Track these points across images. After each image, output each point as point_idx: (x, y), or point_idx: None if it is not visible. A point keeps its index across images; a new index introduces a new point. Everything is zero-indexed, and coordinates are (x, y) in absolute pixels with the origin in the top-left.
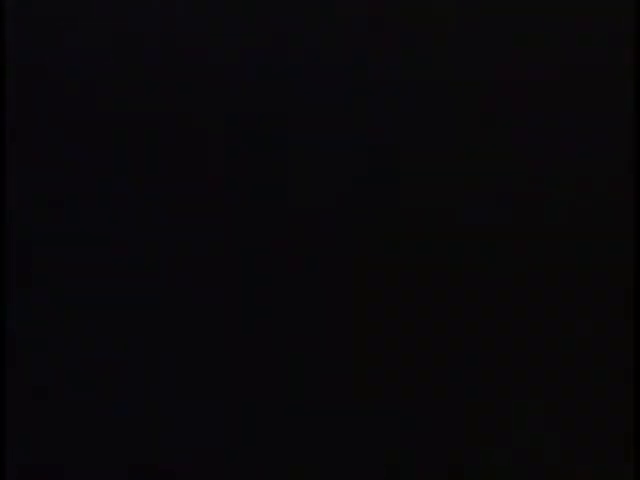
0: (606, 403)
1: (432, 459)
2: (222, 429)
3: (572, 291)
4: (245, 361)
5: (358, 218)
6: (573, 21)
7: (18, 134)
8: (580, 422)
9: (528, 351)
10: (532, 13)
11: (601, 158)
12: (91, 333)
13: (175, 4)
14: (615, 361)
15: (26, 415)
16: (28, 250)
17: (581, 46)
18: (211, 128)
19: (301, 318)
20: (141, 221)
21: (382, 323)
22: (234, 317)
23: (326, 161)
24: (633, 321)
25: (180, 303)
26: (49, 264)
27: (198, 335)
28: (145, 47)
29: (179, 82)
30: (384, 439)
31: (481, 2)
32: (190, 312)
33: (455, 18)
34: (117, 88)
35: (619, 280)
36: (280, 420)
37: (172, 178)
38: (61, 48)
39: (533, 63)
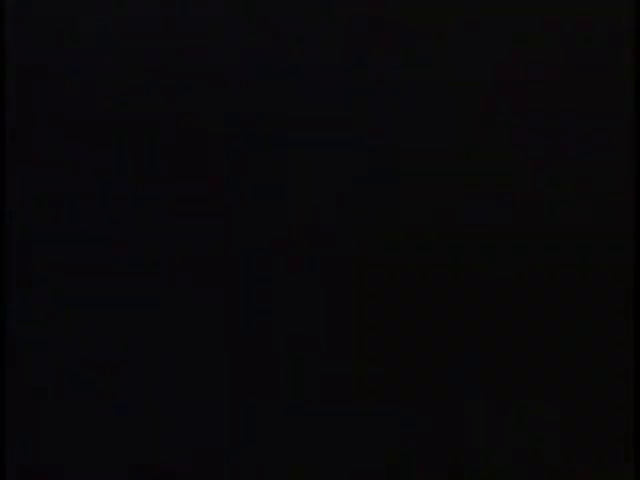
0: (606, 403)
1: (432, 459)
2: (222, 429)
3: (572, 291)
4: (245, 361)
5: (358, 218)
6: (573, 21)
7: (18, 134)
8: (580, 422)
9: (528, 351)
10: (532, 13)
11: (601, 158)
12: (91, 333)
13: (175, 4)
14: (615, 361)
15: (26, 415)
16: (28, 250)
17: (581, 46)
18: (211, 128)
19: (301, 318)
20: (141, 221)
21: (382, 323)
22: (234, 317)
23: (326, 161)
24: (633, 321)
25: (180, 303)
26: (49, 264)
27: (198, 335)
28: (145, 47)
29: (179, 82)
30: (384, 439)
31: (481, 2)
32: (190, 312)
33: (455, 18)
34: (117, 88)
35: (619, 280)
36: (280, 420)
37: (172, 178)
38: (61, 48)
39: (533, 63)
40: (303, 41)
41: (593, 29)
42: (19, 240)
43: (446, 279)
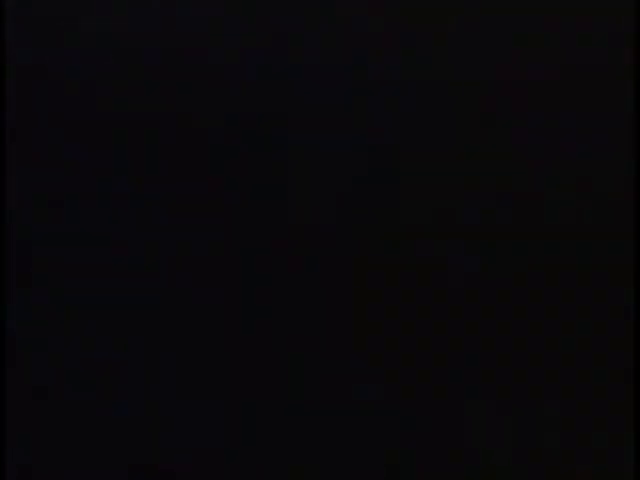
0: (606, 403)
1: (432, 459)
2: (222, 429)
3: (572, 291)
4: (245, 361)
5: (358, 218)
6: (573, 21)
7: (18, 134)
8: (580, 422)
9: (528, 351)
10: (532, 13)
11: (601, 158)
12: (91, 333)
13: (175, 4)
14: (615, 361)
15: (26, 415)
16: (28, 250)
17: (581, 46)
18: (211, 128)
19: (301, 318)
20: (141, 221)
21: (382, 323)
22: (234, 317)
23: (326, 161)
24: (633, 321)
25: (180, 303)
26: (49, 264)
27: (198, 335)
28: (145, 47)
29: (179, 82)
30: (384, 439)
31: (481, 2)
32: (190, 312)
33: (455, 18)
34: (117, 88)
35: (619, 280)
36: (280, 420)
37: (172, 178)
38: (61, 48)
39: (533, 63)
40: (303, 41)
41: (593, 29)
42: (19, 240)
43: (446, 279)
